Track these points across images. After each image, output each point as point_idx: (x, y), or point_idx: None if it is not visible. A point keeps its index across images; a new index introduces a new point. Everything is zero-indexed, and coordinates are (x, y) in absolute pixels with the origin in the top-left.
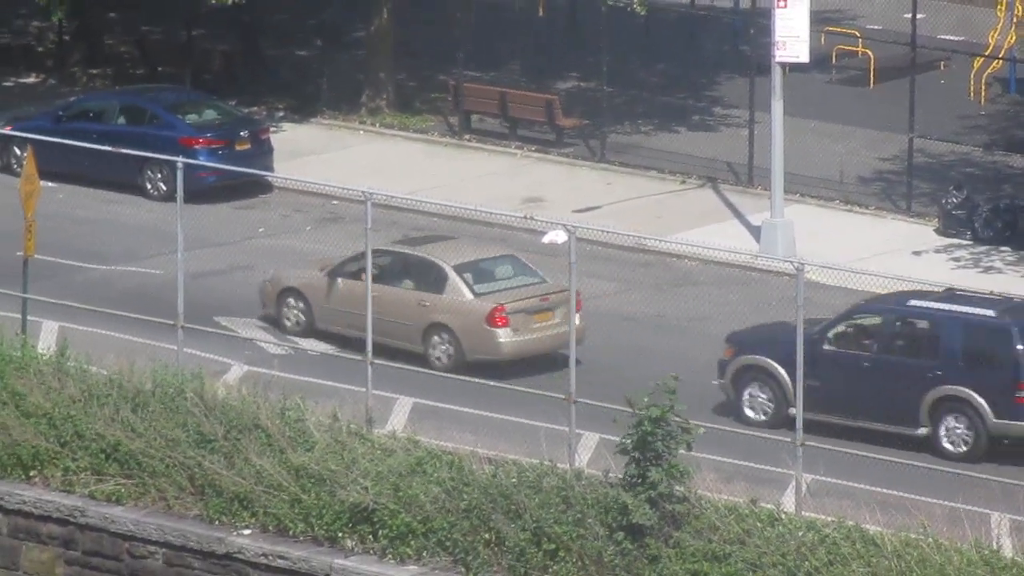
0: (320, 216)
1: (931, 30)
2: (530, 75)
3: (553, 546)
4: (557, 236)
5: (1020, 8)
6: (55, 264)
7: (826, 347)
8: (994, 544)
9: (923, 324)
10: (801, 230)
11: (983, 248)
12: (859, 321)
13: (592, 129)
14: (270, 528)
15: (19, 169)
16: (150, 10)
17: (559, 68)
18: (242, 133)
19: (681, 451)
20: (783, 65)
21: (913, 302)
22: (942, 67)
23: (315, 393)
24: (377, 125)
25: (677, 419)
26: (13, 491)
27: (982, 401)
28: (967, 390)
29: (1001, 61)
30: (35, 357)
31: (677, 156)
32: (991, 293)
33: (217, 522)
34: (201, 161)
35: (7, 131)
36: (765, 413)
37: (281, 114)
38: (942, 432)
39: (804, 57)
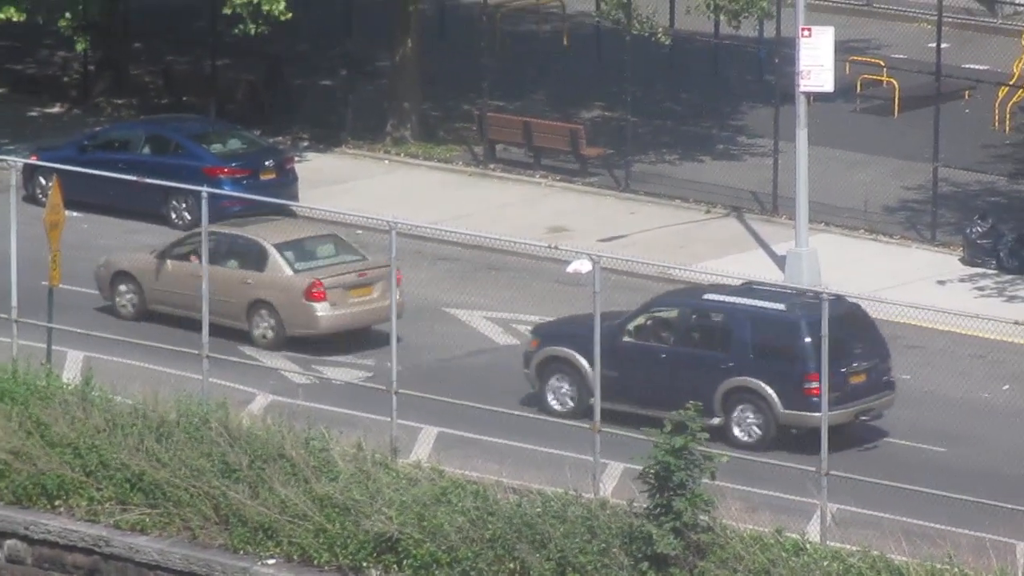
0: None
1: (956, 59)
2: (555, 105)
3: None
4: (582, 265)
5: None
6: (80, 293)
7: (625, 339)
8: (1019, 574)
9: (717, 317)
10: (826, 259)
11: (1008, 277)
12: (657, 314)
13: (616, 158)
14: (295, 558)
15: (44, 199)
16: (175, 40)
17: (584, 98)
18: (267, 163)
19: (705, 480)
20: (808, 94)
21: (708, 296)
22: (966, 96)
23: (340, 423)
24: (402, 154)
25: (701, 448)
26: (38, 520)
27: (772, 392)
28: (758, 381)
29: None
30: (60, 387)
31: (702, 185)
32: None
33: (242, 552)
34: (226, 191)
35: (33, 161)
36: (567, 404)
37: (306, 143)
38: (734, 421)
39: (829, 86)
